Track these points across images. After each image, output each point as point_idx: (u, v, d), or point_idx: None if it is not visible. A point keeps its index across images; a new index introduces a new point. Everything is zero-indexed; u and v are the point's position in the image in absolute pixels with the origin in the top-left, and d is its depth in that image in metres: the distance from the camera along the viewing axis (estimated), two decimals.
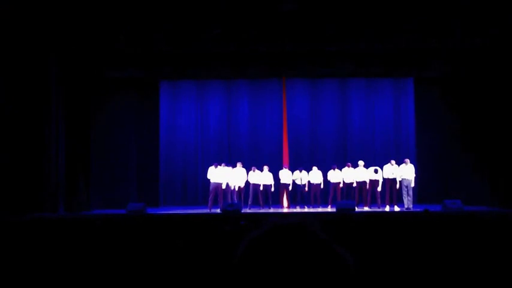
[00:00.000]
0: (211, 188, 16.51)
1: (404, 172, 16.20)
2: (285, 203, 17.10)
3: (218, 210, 15.59)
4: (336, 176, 17.02)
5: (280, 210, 16.55)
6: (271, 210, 16.52)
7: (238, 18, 14.70)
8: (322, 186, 17.21)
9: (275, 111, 19.06)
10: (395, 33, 15.11)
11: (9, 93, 14.23)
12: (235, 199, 16.59)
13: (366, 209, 16.24)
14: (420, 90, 18.75)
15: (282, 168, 17.30)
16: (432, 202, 16.76)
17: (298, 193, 17.29)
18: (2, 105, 14.03)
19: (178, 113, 19.58)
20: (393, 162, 16.46)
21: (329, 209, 16.28)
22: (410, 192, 16.13)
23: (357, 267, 1.22)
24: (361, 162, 16.80)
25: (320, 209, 16.34)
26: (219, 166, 16.68)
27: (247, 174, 17.01)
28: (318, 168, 17.32)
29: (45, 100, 15.08)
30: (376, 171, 16.49)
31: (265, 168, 17.18)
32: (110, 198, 17.33)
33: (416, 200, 17.15)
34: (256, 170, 17.12)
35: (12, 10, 13.99)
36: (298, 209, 16.70)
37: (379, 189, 16.44)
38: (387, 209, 16.07)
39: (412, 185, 16.23)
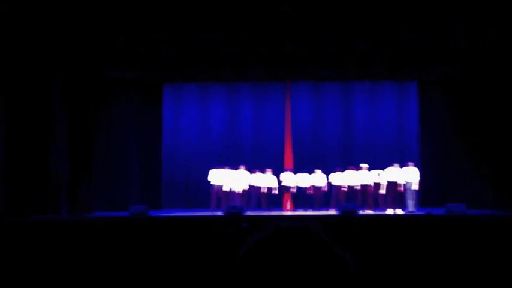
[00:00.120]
0: (213, 190, 16.52)
1: (408, 175, 16.18)
2: (288, 205, 17.08)
3: (221, 213, 15.58)
4: (339, 178, 17.00)
5: (282, 213, 16.53)
6: (274, 212, 16.50)
7: (241, 21, 14.71)
8: (325, 188, 17.18)
9: (278, 114, 19.05)
10: (398, 35, 15.09)
11: (11, 95, 14.25)
12: (238, 202, 16.58)
13: (369, 212, 16.22)
14: (424, 94, 18.73)
15: (285, 171, 17.29)
16: (435, 205, 16.72)
17: (301, 196, 17.28)
18: (4, 107, 14.05)
19: (182, 115, 19.60)
20: (396, 165, 16.43)
21: (332, 212, 16.26)
22: (414, 196, 16.10)
23: (360, 269, 1.22)
24: (364, 165, 16.78)
25: (323, 212, 16.31)
26: (221, 169, 16.68)
27: (250, 176, 17.00)
28: (321, 171, 17.30)
29: (48, 103, 15.09)
30: (379, 174, 16.47)
31: (268, 171, 17.17)
32: (112, 201, 17.32)
33: (419, 203, 17.10)
34: (259, 173, 17.11)
35: (15, 13, 14.03)
36: (301, 212, 16.68)
37: (382, 192, 16.41)
38: (390, 212, 16.05)
39: (416, 188, 16.20)
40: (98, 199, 16.89)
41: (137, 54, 15.95)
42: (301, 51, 15.86)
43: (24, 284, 4.06)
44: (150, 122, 18.70)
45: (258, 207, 17.01)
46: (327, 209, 16.85)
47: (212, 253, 4.12)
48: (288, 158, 17.52)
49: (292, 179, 17.10)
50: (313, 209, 16.97)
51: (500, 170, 15.75)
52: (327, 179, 17.17)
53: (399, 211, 16.00)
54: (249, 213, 15.87)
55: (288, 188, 17.05)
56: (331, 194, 17.15)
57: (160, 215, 15.40)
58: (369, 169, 16.74)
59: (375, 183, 16.51)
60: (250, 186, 17.04)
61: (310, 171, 17.35)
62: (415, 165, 16.67)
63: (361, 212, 15.35)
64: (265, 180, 17.04)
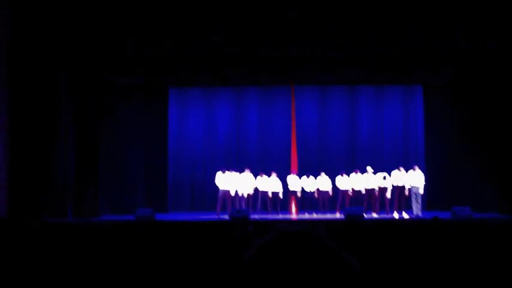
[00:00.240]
0: (219, 194, 16.54)
1: (413, 179, 16.15)
2: (293, 209, 17.06)
3: (226, 217, 15.58)
4: (344, 182, 16.98)
5: (288, 217, 16.52)
6: (280, 216, 16.49)
7: (246, 25, 14.74)
8: (330, 192, 17.17)
9: (283, 117, 19.05)
10: (403, 39, 15.09)
11: (17, 98, 14.30)
12: (244, 205, 16.58)
13: (375, 215, 16.19)
14: (429, 97, 18.70)
15: (290, 175, 17.28)
16: (441, 209, 16.66)
17: (306, 199, 17.26)
18: (10, 110, 14.10)
19: (187, 119, 19.63)
20: (402, 168, 16.40)
21: (337, 216, 16.24)
22: (419, 199, 16.07)
23: (365, 274, 1.22)
24: (369, 169, 16.76)
25: (328, 216, 16.29)
26: (227, 172, 16.70)
27: (256, 180, 17.01)
28: (327, 175, 17.28)
29: (54, 106, 15.13)
30: (384, 178, 16.44)
31: (274, 174, 17.17)
32: (118, 204, 17.36)
33: (425, 207, 17.06)
34: (265, 176, 17.11)
35: (22, 18, 14.11)
36: (306, 216, 16.67)
37: (388, 195, 16.38)
38: (396, 216, 16.02)
39: (421, 191, 16.16)
40: (104, 202, 16.93)
41: (143, 59, 15.99)
42: (306, 55, 15.86)
43: (31, 287, 4.07)
44: (155, 125, 18.72)
45: (264, 210, 17.00)
46: (332, 213, 16.84)
47: (218, 257, 4.13)
48: (294, 161, 17.50)
49: (297, 183, 17.08)
50: (319, 212, 16.96)
51: (506, 173, 15.70)
52: (333, 182, 17.15)
53: (405, 215, 15.97)
54: (254, 216, 15.87)
55: (293, 192, 17.04)
56: (337, 197, 17.14)
57: (166, 218, 15.42)
58: (375, 173, 16.71)
59: (380, 187, 16.48)
60: (256, 190, 17.04)
61: (316, 175, 17.33)
62: (421, 169, 16.64)
63: (366, 216, 15.32)
64: (271, 183, 17.04)
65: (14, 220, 13.21)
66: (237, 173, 16.89)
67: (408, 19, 14.48)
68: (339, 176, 17.10)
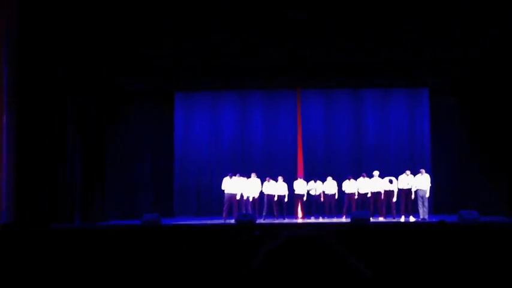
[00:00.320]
0: (225, 198, 16.55)
1: (420, 182, 16.12)
2: (300, 213, 17.05)
3: (232, 221, 15.58)
4: (350, 186, 16.95)
5: (294, 221, 16.51)
6: (286, 220, 16.48)
7: (252, 29, 14.76)
8: (336, 196, 17.14)
9: (289, 121, 19.05)
10: (410, 43, 15.09)
11: (24, 104, 14.35)
12: (250, 210, 16.58)
13: (381, 219, 16.16)
14: (435, 100, 18.67)
15: (296, 179, 17.27)
16: (448, 213, 16.63)
17: (312, 203, 17.24)
18: (17, 117, 14.15)
19: (193, 123, 19.65)
20: (408, 172, 16.38)
21: (344, 220, 16.22)
22: (426, 203, 16.03)
23: (372, 278, 1.22)
24: (376, 173, 16.74)
25: (335, 220, 16.28)
26: (233, 177, 16.71)
27: (262, 184, 17.00)
28: (333, 179, 17.26)
29: (61, 112, 15.17)
30: (391, 182, 16.40)
31: (280, 178, 17.16)
32: (125, 209, 17.40)
33: (431, 211, 17.01)
34: (271, 181, 17.11)
35: (31, 23, 14.18)
36: (312, 220, 16.65)
37: (394, 199, 16.34)
38: (402, 219, 15.99)
39: (428, 195, 16.12)
40: (110, 207, 16.97)
41: (149, 64, 16.04)
42: (312, 59, 15.87)
43: None
44: (161, 130, 18.77)
45: (270, 215, 16.99)
46: (338, 217, 16.81)
47: (224, 262, 4.12)
48: (300, 165, 17.50)
49: (303, 187, 17.06)
50: (325, 216, 16.93)
51: None
52: (339, 186, 17.12)
53: (411, 218, 15.93)
54: (260, 221, 15.87)
55: (299, 196, 17.02)
56: (343, 201, 17.11)
57: (173, 223, 15.42)
58: (381, 176, 16.68)
59: (386, 191, 16.44)
60: (262, 194, 17.03)
61: (322, 179, 17.31)
62: (427, 172, 16.60)
63: (373, 220, 15.30)
64: (277, 188, 17.03)
65: (20, 225, 13.24)
66: (244, 178, 16.89)
67: (414, 23, 14.47)
68: (346, 180, 17.07)
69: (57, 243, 6.18)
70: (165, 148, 18.79)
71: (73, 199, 15.39)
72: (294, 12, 13.93)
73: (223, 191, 16.69)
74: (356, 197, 16.85)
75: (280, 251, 1.24)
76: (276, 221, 16.33)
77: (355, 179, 17.04)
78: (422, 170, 16.36)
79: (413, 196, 16.13)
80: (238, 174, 16.88)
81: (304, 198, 17.08)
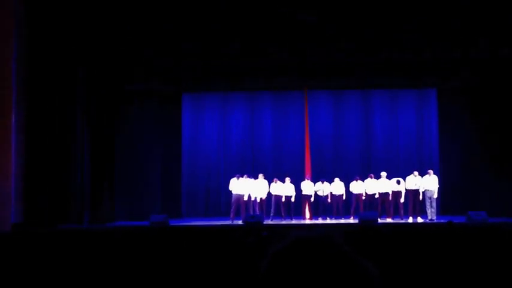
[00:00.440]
0: (233, 199, 16.56)
1: (428, 183, 16.07)
2: (307, 214, 17.03)
3: (240, 222, 15.59)
4: (358, 187, 16.92)
5: (302, 222, 16.49)
6: (293, 221, 16.47)
7: (261, 31, 14.78)
8: (344, 197, 17.11)
9: (297, 122, 19.03)
10: (418, 43, 15.07)
11: (33, 105, 14.42)
12: (257, 211, 16.58)
13: (389, 220, 16.12)
14: (443, 101, 18.60)
15: (304, 180, 17.25)
16: (456, 213, 16.56)
17: (320, 204, 17.22)
18: (26, 117, 14.21)
19: (201, 124, 19.66)
20: (416, 173, 16.33)
21: (351, 221, 16.19)
22: (434, 204, 15.99)
23: (381, 279, 1.23)
24: (383, 174, 16.70)
25: (342, 221, 16.25)
26: (241, 178, 16.72)
27: (269, 185, 17.00)
28: (341, 180, 17.22)
29: (70, 113, 15.24)
30: (398, 183, 16.36)
31: (287, 179, 17.15)
32: (133, 210, 17.44)
33: (439, 212, 16.95)
34: (278, 182, 17.10)
35: (38, 21, 14.25)
36: (320, 221, 16.63)
37: (402, 200, 16.31)
38: (410, 220, 15.95)
39: (436, 196, 16.08)
40: (119, 208, 17.02)
41: (158, 65, 16.08)
42: (320, 60, 15.87)
43: None
44: (170, 131, 18.79)
45: (277, 215, 16.98)
46: (346, 218, 16.79)
47: (232, 262, 4.14)
48: (307, 166, 17.48)
49: (311, 188, 17.05)
50: (332, 217, 16.91)
51: None
52: (347, 187, 17.10)
53: (419, 219, 15.89)
54: (268, 221, 15.87)
55: (307, 197, 17.01)
56: (351, 202, 17.08)
57: (181, 224, 15.46)
58: (389, 177, 16.65)
59: (394, 192, 16.41)
60: (270, 195, 17.03)
61: (329, 180, 17.29)
62: (435, 173, 16.55)
63: (380, 221, 15.27)
64: (284, 188, 17.02)
65: (30, 226, 13.31)
66: (252, 179, 16.90)
67: (422, 23, 14.46)
68: (354, 182, 17.05)
69: (66, 243, 6.21)
70: (174, 149, 18.80)
71: (82, 200, 15.44)
72: (304, 15, 13.94)
73: (231, 191, 16.71)
74: (364, 197, 16.81)
75: (288, 252, 1.24)
76: (284, 222, 16.32)
77: (363, 179, 17.00)
78: (430, 171, 16.31)
79: (421, 197, 16.08)
80: (245, 175, 16.88)
81: (312, 199, 17.06)
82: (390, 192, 16.42)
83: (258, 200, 16.77)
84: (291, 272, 1.19)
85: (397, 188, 16.34)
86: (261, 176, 16.99)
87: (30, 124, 14.28)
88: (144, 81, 17.24)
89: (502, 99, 16.56)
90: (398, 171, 17.36)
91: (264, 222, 14.98)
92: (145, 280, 4.20)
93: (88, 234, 8.99)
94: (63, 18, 14.40)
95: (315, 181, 17.24)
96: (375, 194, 16.63)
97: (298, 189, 17.09)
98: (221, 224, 14.87)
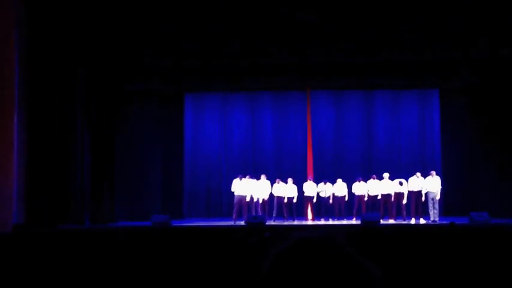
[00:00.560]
0: (235, 200, 16.55)
1: (430, 184, 16.04)
2: (310, 215, 17.02)
3: (242, 223, 15.59)
4: (360, 188, 16.91)
5: (304, 223, 16.48)
6: (296, 222, 16.46)
7: (262, 31, 14.78)
8: (346, 198, 17.09)
9: (299, 123, 19.01)
10: (419, 43, 15.06)
11: (34, 106, 14.44)
12: (260, 211, 16.57)
13: (391, 221, 16.09)
14: (445, 102, 18.57)
15: (306, 181, 17.24)
16: (458, 215, 16.52)
17: (322, 205, 17.20)
18: (27, 119, 14.23)
19: (203, 125, 19.65)
20: (419, 174, 16.30)
21: (354, 222, 16.17)
22: (436, 205, 15.95)
23: (383, 280, 1.22)
24: (386, 175, 16.67)
25: (345, 222, 16.24)
26: (243, 178, 16.71)
27: (272, 186, 16.99)
28: (343, 181, 17.21)
29: (70, 113, 15.25)
30: (401, 184, 16.34)
31: (290, 180, 17.14)
32: (134, 210, 17.43)
33: (442, 213, 16.93)
34: (281, 182, 17.09)
35: (39, 22, 14.27)
36: (322, 222, 16.62)
37: (404, 201, 16.28)
38: (413, 221, 15.92)
39: (438, 197, 16.05)
40: (119, 208, 17.01)
41: (159, 65, 16.09)
42: (322, 61, 15.86)
43: None
44: (171, 131, 18.79)
45: (280, 216, 16.97)
46: (348, 219, 16.77)
47: (234, 263, 4.13)
48: (309, 167, 17.47)
49: (313, 189, 17.04)
50: (335, 218, 16.90)
51: None
52: (349, 188, 17.08)
53: (422, 221, 15.87)
54: (270, 222, 15.86)
55: (309, 198, 17.00)
56: (353, 203, 17.06)
57: (182, 224, 15.46)
58: (391, 178, 16.62)
59: (396, 193, 16.38)
60: (272, 196, 17.02)
61: (332, 181, 17.27)
62: (438, 174, 16.52)
63: (383, 222, 15.25)
64: (287, 189, 17.01)
65: (31, 227, 13.32)
66: (254, 180, 16.89)
67: (424, 24, 14.45)
68: (356, 183, 17.03)
69: (68, 244, 6.21)
70: (175, 149, 18.81)
71: (82, 200, 15.46)
72: (304, 15, 13.94)
73: (233, 192, 16.70)
74: (366, 199, 16.80)
75: (290, 253, 1.24)
76: (286, 223, 16.32)
77: (365, 180, 16.99)
78: (433, 172, 16.28)
79: (423, 198, 16.05)
80: (248, 176, 16.87)
81: (314, 200, 17.05)
82: (393, 194, 16.40)
83: (260, 201, 16.76)
84: (293, 273, 1.18)
85: (399, 189, 16.32)
86: (263, 176, 16.98)
87: (32, 124, 14.29)
88: (145, 81, 17.24)
89: (503, 99, 16.53)
90: (401, 172, 17.33)
91: (266, 223, 14.97)
92: (148, 281, 4.19)
93: (90, 234, 8.99)
94: (64, 19, 14.42)
95: (317, 182, 17.22)
96: (378, 195, 16.61)
97: (300, 190, 17.07)
98: (223, 225, 14.87)
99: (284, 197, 16.90)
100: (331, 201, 17.09)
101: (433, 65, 16.25)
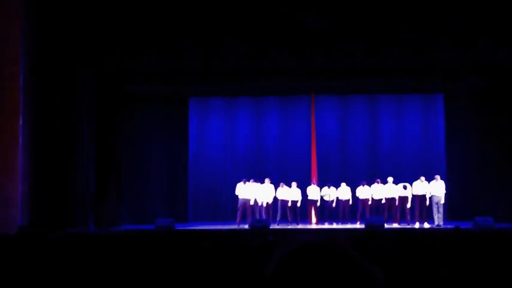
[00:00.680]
0: (239, 204, 16.55)
1: (435, 188, 16.02)
2: (313, 219, 16.99)
3: (246, 226, 15.58)
4: (364, 192, 16.88)
5: (308, 227, 16.46)
6: (300, 226, 16.44)
7: (267, 35, 14.79)
8: (350, 202, 17.07)
9: (304, 127, 19.02)
10: (425, 48, 15.04)
11: (39, 109, 14.48)
12: (264, 215, 16.56)
13: (395, 225, 16.07)
14: (450, 106, 18.55)
15: (310, 184, 17.22)
16: (463, 219, 16.48)
17: (326, 209, 17.18)
18: (33, 122, 14.27)
19: (207, 129, 19.68)
20: (423, 178, 16.27)
21: (358, 226, 16.15)
22: (441, 209, 15.92)
23: (387, 284, 1.22)
24: (390, 179, 16.64)
25: (349, 226, 16.21)
26: (247, 182, 16.70)
27: (276, 190, 16.98)
28: (347, 185, 17.18)
29: (76, 117, 15.29)
30: (405, 188, 16.31)
31: (294, 184, 17.12)
32: (138, 213, 17.46)
33: (446, 217, 16.88)
34: (285, 186, 17.07)
35: (46, 24, 14.33)
36: (326, 225, 16.59)
37: (408, 205, 16.25)
38: (417, 226, 15.89)
39: (443, 201, 16.01)
40: (124, 211, 17.03)
41: (164, 69, 16.12)
42: (327, 65, 15.86)
43: None
44: (176, 135, 18.83)
45: (284, 220, 16.95)
46: (352, 223, 16.74)
47: (238, 266, 4.13)
48: (314, 171, 17.45)
49: (317, 193, 17.02)
50: (339, 222, 16.87)
51: None
52: (353, 192, 17.06)
53: (426, 225, 15.84)
54: (274, 226, 15.85)
55: (313, 201, 16.97)
56: (357, 207, 17.04)
57: (187, 228, 15.46)
58: (395, 182, 16.60)
59: (401, 197, 16.35)
60: (276, 200, 17.00)
61: (336, 185, 17.25)
62: (442, 179, 16.49)
63: (387, 226, 15.23)
64: (291, 193, 16.99)
65: (36, 230, 13.34)
66: (258, 184, 16.88)
67: (432, 30, 14.45)
68: (360, 186, 17.01)
69: (73, 247, 6.22)
70: (179, 152, 18.83)
71: (87, 203, 15.47)
72: (313, 20, 13.95)
73: (237, 196, 16.70)
74: (370, 203, 16.77)
75: (294, 256, 1.24)
76: (290, 227, 16.30)
77: (369, 184, 16.96)
78: (437, 176, 16.25)
79: (428, 202, 16.02)
80: (252, 180, 16.87)
81: (318, 204, 17.02)
82: (397, 198, 16.37)
83: (265, 205, 16.74)
84: (297, 276, 1.18)
85: (403, 193, 16.29)
86: (267, 180, 16.97)
87: (36, 127, 14.33)
88: (150, 85, 17.29)
89: (509, 103, 16.50)
90: (405, 177, 17.30)
91: (271, 227, 14.96)
92: (151, 284, 4.20)
93: (95, 237, 8.99)
94: (68, 19, 14.48)
95: (321, 186, 17.21)
96: (382, 199, 16.58)
97: (304, 194, 17.05)
98: (227, 229, 14.87)
99: (288, 201, 16.88)
100: (334, 205, 17.07)
101: (438, 69, 16.24)
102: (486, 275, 3.93)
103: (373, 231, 13.16)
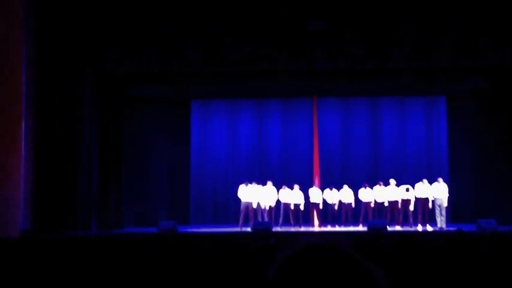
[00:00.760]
0: (241, 206, 16.54)
1: (437, 191, 15.99)
2: (316, 221, 16.99)
3: (249, 229, 15.57)
4: (367, 194, 16.86)
5: (310, 229, 16.44)
6: (302, 229, 16.43)
7: (269, 38, 14.80)
8: (353, 205, 17.06)
9: (306, 130, 19.02)
10: (425, 49, 15.04)
11: (41, 112, 14.50)
12: (266, 218, 16.55)
13: (398, 228, 16.04)
14: (453, 108, 18.55)
15: (312, 187, 17.22)
16: (466, 222, 16.45)
17: (329, 212, 17.17)
18: (34, 124, 14.28)
19: (210, 131, 19.69)
20: (425, 181, 16.25)
21: (360, 228, 16.13)
22: (443, 212, 15.89)
23: (390, 286, 1.22)
24: (392, 181, 16.62)
25: (351, 228, 16.20)
26: (249, 185, 16.70)
27: (278, 192, 16.97)
28: (349, 187, 17.18)
29: (78, 119, 15.30)
30: (408, 190, 16.29)
31: (296, 186, 17.12)
32: (141, 216, 17.46)
33: (449, 220, 16.86)
34: (287, 189, 17.07)
35: (47, 26, 14.36)
36: (329, 228, 16.58)
37: (411, 208, 16.23)
38: (419, 228, 15.86)
39: (445, 204, 15.98)
40: (127, 215, 17.03)
41: (167, 72, 16.13)
42: (329, 68, 15.86)
43: None
44: (178, 138, 18.85)
45: (286, 223, 16.95)
46: (355, 225, 16.73)
47: (240, 269, 4.13)
48: (316, 173, 17.45)
49: (319, 195, 17.01)
50: (341, 225, 16.86)
51: None
52: (355, 195, 17.05)
53: (428, 227, 15.81)
54: (277, 229, 15.84)
55: (315, 204, 16.97)
56: (359, 210, 17.02)
57: (189, 230, 15.45)
58: (398, 185, 16.58)
59: (403, 200, 16.33)
60: (278, 202, 17.00)
61: (338, 187, 17.24)
62: (445, 181, 16.47)
63: (389, 229, 15.20)
64: (293, 196, 16.99)
65: (38, 233, 13.35)
66: (260, 186, 16.88)
67: (434, 33, 14.45)
68: (362, 189, 16.99)
69: (76, 250, 6.22)
70: (182, 155, 18.86)
71: (89, 205, 15.48)
72: (313, 23, 13.96)
73: (240, 198, 16.70)
74: (372, 205, 16.75)
75: (297, 259, 1.24)
76: (292, 229, 16.29)
77: (372, 187, 16.94)
78: (440, 179, 16.22)
79: (430, 205, 15.99)
80: (254, 182, 16.87)
81: (321, 207, 17.01)
82: (399, 200, 16.34)
83: (267, 208, 16.74)
84: (299, 279, 1.18)
85: (406, 195, 16.26)
86: (269, 183, 16.97)
87: (39, 130, 14.35)
88: (151, 86, 17.32)
89: (511, 105, 16.49)
90: (407, 179, 17.28)
91: (273, 230, 14.96)
92: (155, 287, 4.20)
93: (97, 241, 9.00)
94: (69, 21, 14.52)
95: (323, 188, 17.20)
96: (384, 201, 16.56)
97: (306, 197, 17.05)
98: (230, 231, 14.86)
99: (290, 204, 16.88)
100: (336, 207, 17.06)
101: (440, 72, 16.24)
102: (489, 277, 3.92)
103: (376, 233, 13.15)
